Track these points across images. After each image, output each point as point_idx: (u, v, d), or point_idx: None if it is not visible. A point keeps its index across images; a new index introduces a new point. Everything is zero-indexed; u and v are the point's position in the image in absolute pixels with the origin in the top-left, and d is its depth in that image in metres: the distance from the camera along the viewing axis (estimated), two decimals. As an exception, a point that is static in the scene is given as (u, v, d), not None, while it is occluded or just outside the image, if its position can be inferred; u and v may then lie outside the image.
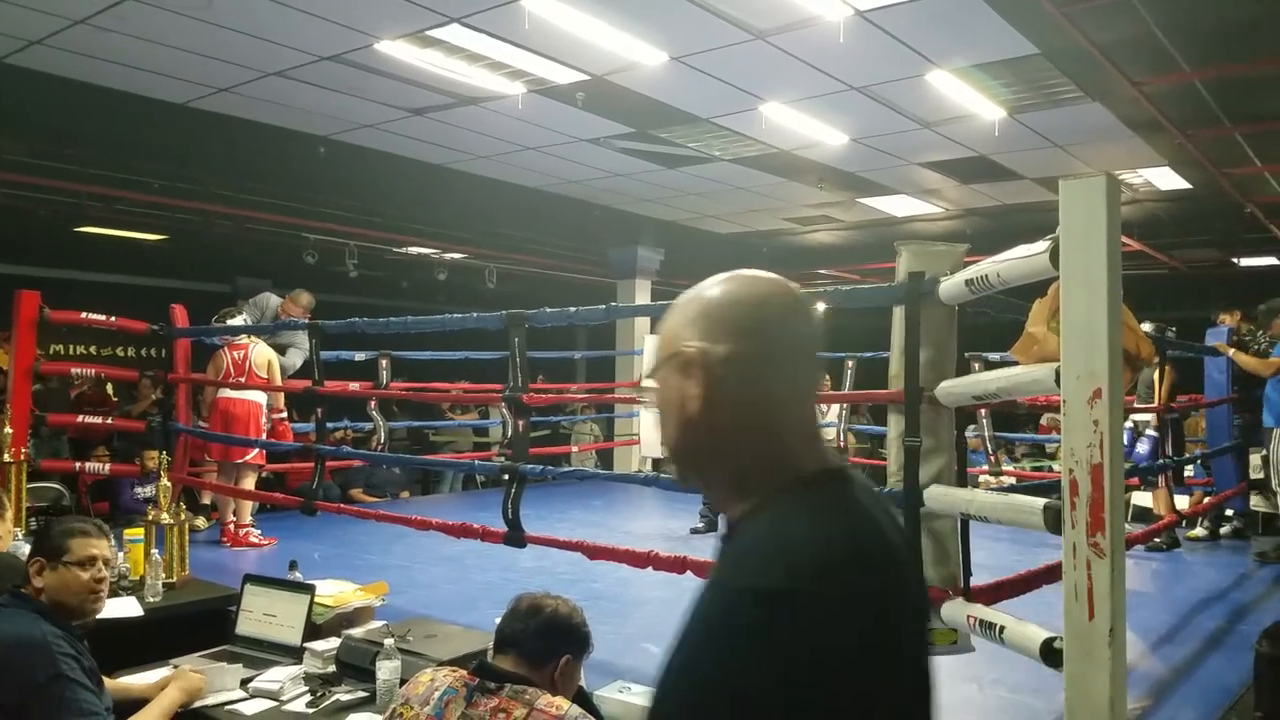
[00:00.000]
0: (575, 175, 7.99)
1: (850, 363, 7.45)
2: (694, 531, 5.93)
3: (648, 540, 4.59)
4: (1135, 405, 5.73)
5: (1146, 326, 5.41)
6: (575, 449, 9.41)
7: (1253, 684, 2.71)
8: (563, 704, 1.73)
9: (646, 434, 7.94)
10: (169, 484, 4.04)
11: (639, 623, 3.66)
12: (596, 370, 12.57)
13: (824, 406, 8.91)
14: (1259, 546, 5.43)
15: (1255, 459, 5.85)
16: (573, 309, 3.65)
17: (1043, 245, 1.94)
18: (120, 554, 3.41)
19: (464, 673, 1.82)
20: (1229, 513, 6.05)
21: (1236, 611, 4.14)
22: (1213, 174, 6.97)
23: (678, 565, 3.14)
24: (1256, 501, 6.15)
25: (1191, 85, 5.40)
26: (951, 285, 2.39)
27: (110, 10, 4.63)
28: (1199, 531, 5.92)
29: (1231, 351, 5.56)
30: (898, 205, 8.96)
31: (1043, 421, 8.57)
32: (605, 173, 7.91)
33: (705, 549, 5.22)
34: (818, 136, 6.69)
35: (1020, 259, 2.06)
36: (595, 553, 3.40)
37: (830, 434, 8.60)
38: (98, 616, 2.36)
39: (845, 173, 7.77)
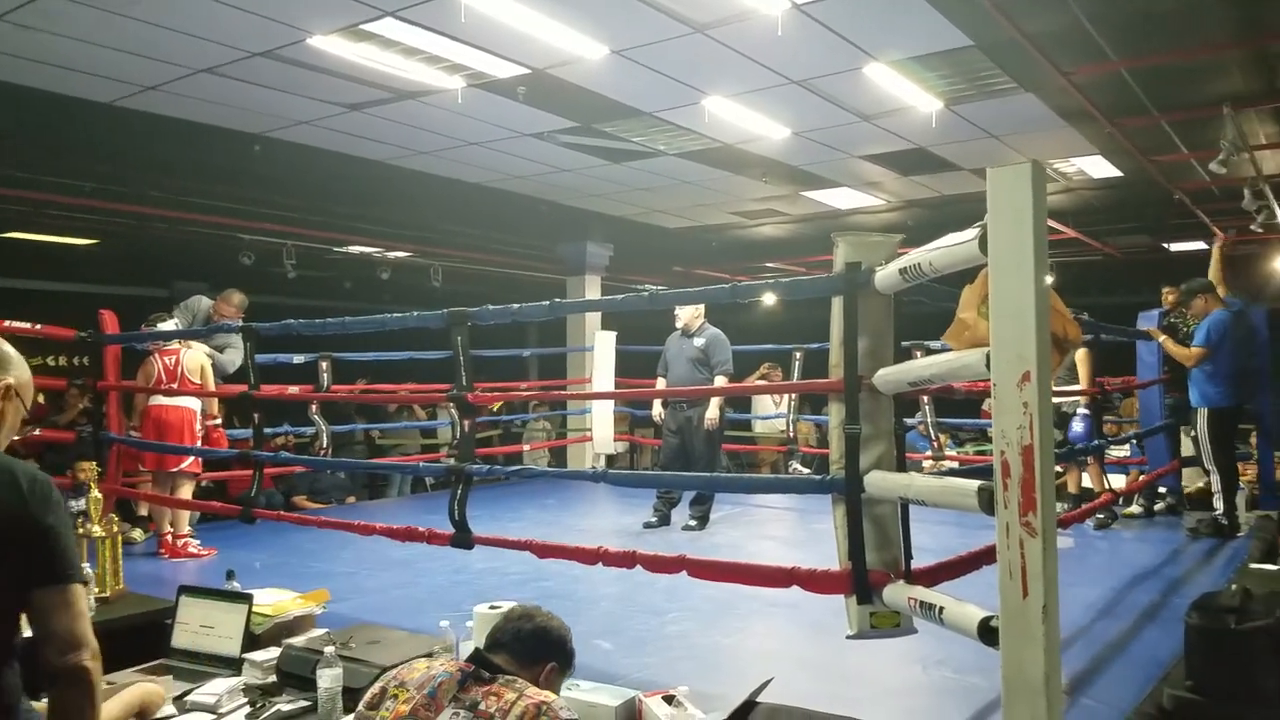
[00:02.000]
0: (519, 170, 7.92)
1: (798, 354, 7.52)
2: (647, 526, 5.93)
3: (601, 537, 4.59)
4: (1054, 387, 5.87)
5: None
6: (527, 447, 9.35)
7: (1184, 656, 2.79)
8: (550, 694, 1.85)
9: (599, 430, 7.92)
10: (100, 496, 3.91)
11: (592, 620, 3.64)
12: (548, 367, 12.51)
13: (776, 397, 8.99)
14: (1190, 522, 5.62)
15: (1186, 438, 6.05)
16: (516, 305, 3.60)
17: (972, 232, 1.97)
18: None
19: (460, 662, 1.92)
20: (1162, 490, 6.25)
21: (1169, 585, 4.28)
22: (1141, 162, 7.18)
23: (627, 560, 3.12)
24: (1189, 477, 6.36)
25: (1119, 74, 5.55)
26: (887, 275, 2.41)
27: (30, 6, 4.46)
28: (1134, 509, 6.11)
29: (1162, 338, 5.73)
30: (841, 198, 9.07)
31: (984, 406, 8.72)
32: (550, 168, 7.86)
33: (658, 544, 5.23)
34: (760, 130, 6.73)
35: (950, 246, 2.08)
36: (544, 551, 3.36)
37: (779, 425, 8.68)
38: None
39: (788, 166, 7.83)
